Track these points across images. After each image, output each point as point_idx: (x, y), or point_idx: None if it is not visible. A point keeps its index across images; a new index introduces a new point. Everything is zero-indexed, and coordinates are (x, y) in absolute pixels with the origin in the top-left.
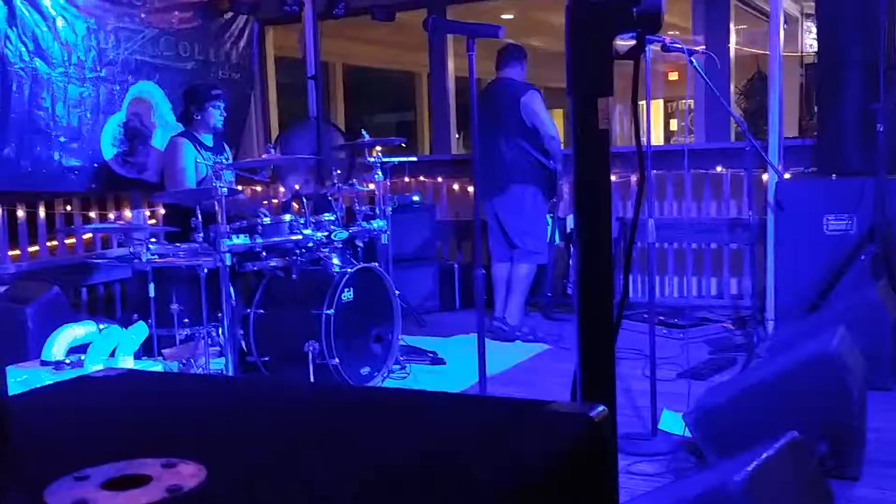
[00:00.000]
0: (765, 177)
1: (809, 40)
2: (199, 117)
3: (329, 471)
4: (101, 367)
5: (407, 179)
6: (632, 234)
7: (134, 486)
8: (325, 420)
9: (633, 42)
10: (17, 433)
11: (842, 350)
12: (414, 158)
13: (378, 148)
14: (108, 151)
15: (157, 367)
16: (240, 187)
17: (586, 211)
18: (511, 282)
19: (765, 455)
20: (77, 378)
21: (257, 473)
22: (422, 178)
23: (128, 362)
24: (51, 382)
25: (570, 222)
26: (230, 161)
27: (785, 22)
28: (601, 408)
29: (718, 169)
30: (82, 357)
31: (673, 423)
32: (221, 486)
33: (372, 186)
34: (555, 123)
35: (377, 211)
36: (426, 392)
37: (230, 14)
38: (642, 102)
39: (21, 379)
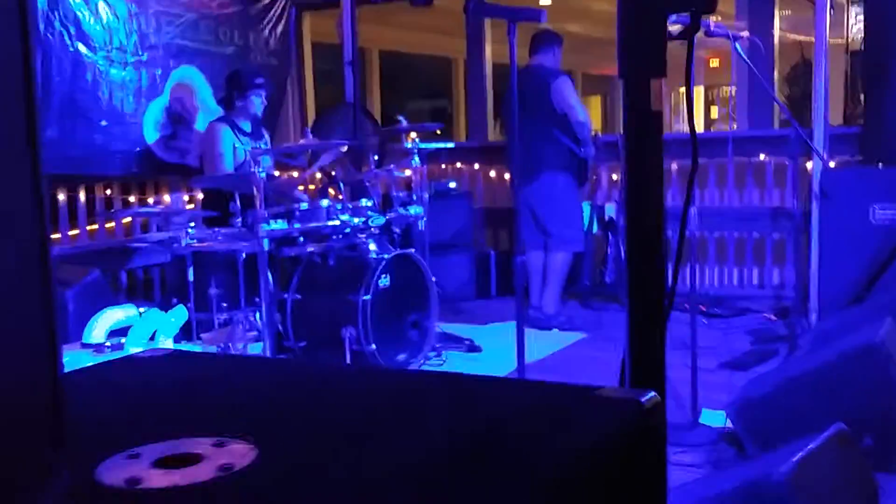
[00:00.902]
0: (809, 165)
1: (855, 27)
2: (240, 103)
3: (379, 453)
4: (139, 349)
5: (444, 166)
6: (682, 224)
7: (185, 465)
8: (373, 403)
9: (681, 25)
10: (68, 412)
11: (888, 341)
12: (451, 145)
13: (414, 134)
14: (152, 136)
15: (197, 350)
16: (276, 172)
17: (638, 195)
18: (547, 270)
19: (810, 447)
20: (123, 358)
21: (307, 454)
22: (458, 164)
23: (167, 345)
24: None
25: (608, 210)
26: (268, 146)
27: (831, 8)
28: (652, 393)
29: (761, 157)
30: (123, 340)
31: (713, 418)
32: (273, 466)
33: (409, 172)
34: (586, 110)
35: (414, 197)
36: (474, 376)
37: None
38: (687, 88)
39: (63, 361)
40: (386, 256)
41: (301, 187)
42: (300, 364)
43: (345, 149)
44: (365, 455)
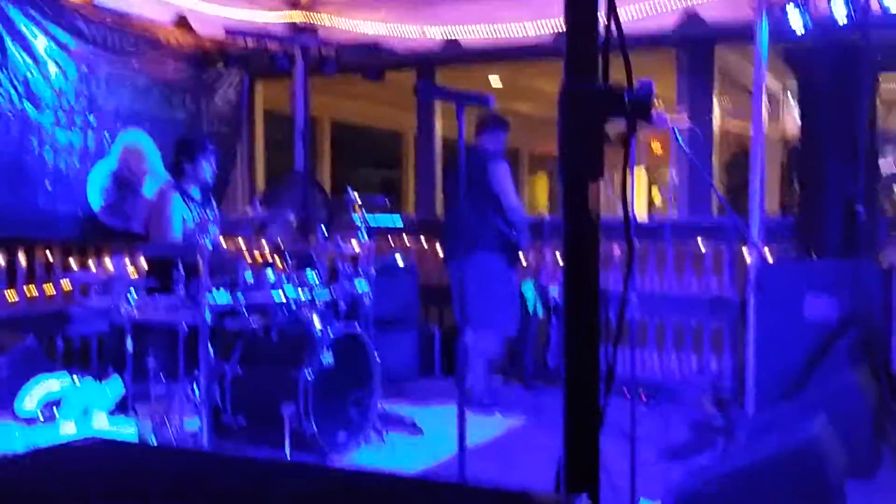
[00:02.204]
0: (746, 252)
1: (792, 117)
2: (189, 170)
3: None
4: (72, 423)
5: (390, 239)
6: (621, 311)
7: None
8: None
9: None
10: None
11: (822, 438)
12: (399, 223)
13: (361, 207)
14: (97, 202)
15: (130, 423)
16: (222, 241)
17: (575, 292)
18: (469, 350)
19: None
20: (57, 445)
21: None
22: (405, 238)
23: (101, 419)
24: (29, 447)
25: (552, 291)
26: (216, 214)
27: (768, 101)
28: (583, 497)
29: (700, 244)
30: (56, 411)
31: None
32: None
33: (356, 245)
34: (517, 195)
35: (360, 271)
36: (413, 479)
37: (222, 66)
38: (623, 189)
39: None
40: (330, 333)
41: (248, 258)
42: (233, 459)
43: (293, 219)
44: None
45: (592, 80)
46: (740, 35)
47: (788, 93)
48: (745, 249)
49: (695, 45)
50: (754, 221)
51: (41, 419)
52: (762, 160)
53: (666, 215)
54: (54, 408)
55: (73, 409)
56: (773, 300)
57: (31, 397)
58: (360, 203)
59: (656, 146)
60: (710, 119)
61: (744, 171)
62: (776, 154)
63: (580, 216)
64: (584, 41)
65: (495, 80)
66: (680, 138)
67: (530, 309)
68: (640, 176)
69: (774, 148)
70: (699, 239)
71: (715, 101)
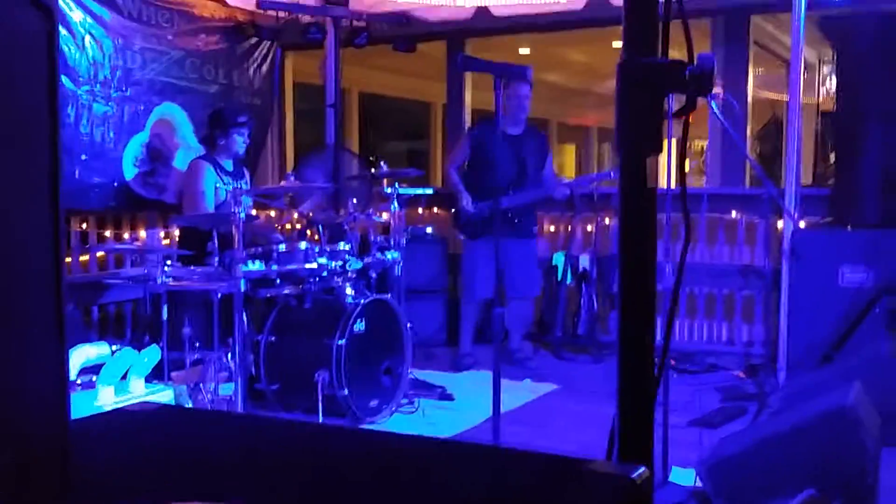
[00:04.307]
0: (779, 224)
1: (827, 87)
2: (222, 142)
3: None
4: (111, 389)
5: (420, 211)
6: (676, 284)
7: None
8: (367, 468)
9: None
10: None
11: (857, 405)
12: (430, 191)
13: (393, 178)
14: (130, 171)
15: (167, 390)
16: (255, 212)
17: (631, 266)
18: (514, 318)
19: None
20: (114, 411)
21: None
22: (435, 209)
23: (139, 385)
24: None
25: (582, 261)
26: (249, 186)
27: (804, 68)
28: (642, 469)
29: (733, 214)
30: (94, 378)
31: (683, 477)
32: None
33: (386, 216)
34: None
35: (391, 242)
36: (467, 444)
37: (254, 39)
38: (680, 164)
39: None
40: (362, 301)
41: (279, 228)
42: (289, 423)
43: (326, 191)
44: None
45: (652, 52)
46: (776, 4)
47: (823, 63)
48: (780, 221)
49: (730, 15)
50: (790, 190)
51: (80, 385)
52: (799, 130)
53: (696, 185)
54: (93, 376)
55: (111, 375)
56: (807, 268)
57: (71, 365)
58: (392, 175)
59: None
60: (745, 89)
61: (774, 142)
62: (810, 125)
63: (637, 191)
64: (644, 12)
65: (525, 51)
66: (717, 109)
67: (559, 278)
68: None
69: (809, 119)
70: (733, 211)
71: (750, 70)
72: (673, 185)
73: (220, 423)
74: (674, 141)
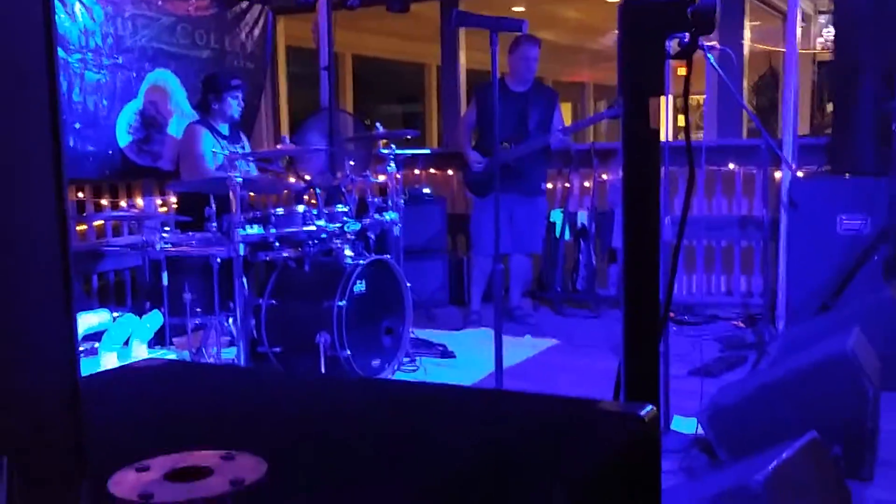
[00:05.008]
0: (777, 175)
1: (822, 37)
2: (216, 106)
3: (392, 470)
4: (114, 355)
5: (417, 172)
6: (679, 233)
7: (196, 478)
8: (379, 416)
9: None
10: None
11: (857, 350)
12: (427, 151)
13: (389, 140)
14: (124, 139)
15: (170, 355)
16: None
17: (636, 210)
18: (517, 274)
19: (785, 455)
20: (120, 367)
21: (317, 467)
22: (432, 170)
23: (141, 350)
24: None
25: (580, 217)
26: (245, 150)
27: (801, 20)
28: (650, 407)
29: (731, 166)
30: (96, 345)
31: (684, 425)
32: (283, 479)
33: (383, 178)
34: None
35: (389, 203)
36: (481, 389)
37: (245, 3)
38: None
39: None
40: (361, 262)
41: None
42: (297, 376)
43: (323, 154)
44: (377, 471)
45: None
46: None
47: (818, 14)
48: (777, 171)
49: None
50: (787, 141)
51: (82, 352)
52: (795, 81)
53: (694, 139)
54: (94, 343)
55: (113, 341)
56: (805, 218)
57: None
58: (388, 136)
59: (682, 71)
60: (741, 41)
61: (771, 93)
62: (807, 77)
63: (641, 132)
64: None
65: (519, 9)
66: (713, 61)
67: (558, 235)
68: (663, 102)
69: (805, 70)
70: (730, 163)
71: (746, 23)
72: (671, 139)
73: (227, 376)
74: (670, 98)
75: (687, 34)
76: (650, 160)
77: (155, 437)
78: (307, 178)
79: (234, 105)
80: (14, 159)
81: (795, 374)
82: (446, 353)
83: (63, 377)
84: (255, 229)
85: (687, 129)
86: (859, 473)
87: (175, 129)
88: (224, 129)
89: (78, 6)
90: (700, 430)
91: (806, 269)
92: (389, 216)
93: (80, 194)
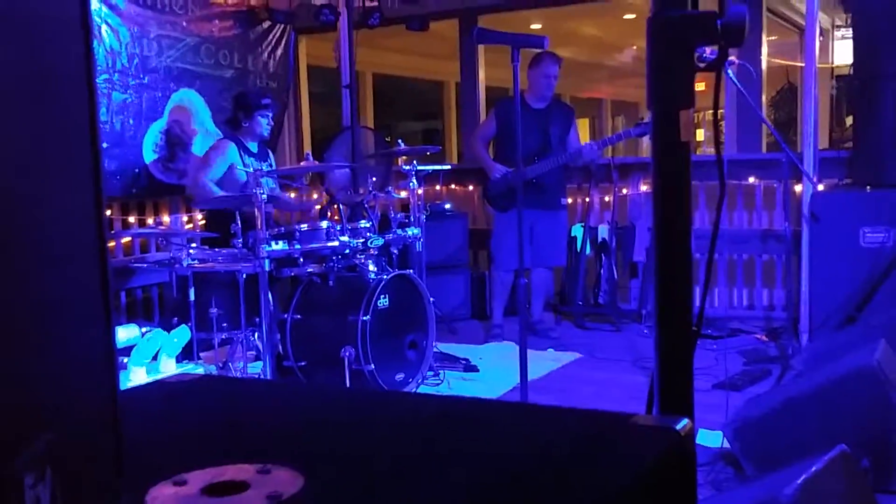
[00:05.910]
0: (798, 188)
1: (840, 52)
2: (246, 124)
3: (427, 483)
4: (142, 369)
5: (439, 188)
6: (711, 246)
7: (233, 493)
8: (414, 429)
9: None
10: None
11: (883, 363)
12: (448, 167)
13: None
14: (150, 157)
15: (198, 369)
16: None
17: (667, 222)
18: (537, 288)
19: (815, 468)
20: (154, 382)
21: (356, 482)
22: (453, 186)
23: (170, 365)
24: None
25: (601, 232)
26: (273, 168)
27: (819, 34)
28: (685, 420)
29: (751, 180)
30: (125, 360)
31: (710, 439)
32: (320, 493)
33: (405, 194)
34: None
35: (411, 218)
36: (512, 403)
37: (268, 23)
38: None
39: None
40: (385, 277)
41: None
42: (333, 389)
43: (346, 171)
44: (414, 485)
45: (682, 4)
46: None
47: (838, 28)
48: (798, 185)
49: None
50: (807, 154)
51: None
52: (815, 95)
53: (711, 153)
54: (124, 358)
55: (142, 356)
56: (827, 231)
57: None
58: (409, 153)
59: (700, 86)
60: (760, 56)
61: (789, 108)
62: (825, 91)
63: (671, 145)
64: None
65: (537, 26)
66: (733, 76)
67: (579, 249)
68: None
69: (824, 83)
70: (751, 177)
71: (763, 38)
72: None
73: (258, 390)
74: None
75: (707, 48)
76: (681, 173)
77: (191, 451)
78: (331, 194)
79: (263, 123)
80: (58, 178)
81: (821, 388)
82: (470, 367)
83: (104, 392)
84: (280, 245)
85: (717, 143)
86: (887, 486)
87: (199, 148)
88: (253, 146)
89: (104, 28)
90: (725, 444)
91: (828, 282)
92: (412, 232)
93: (108, 212)
